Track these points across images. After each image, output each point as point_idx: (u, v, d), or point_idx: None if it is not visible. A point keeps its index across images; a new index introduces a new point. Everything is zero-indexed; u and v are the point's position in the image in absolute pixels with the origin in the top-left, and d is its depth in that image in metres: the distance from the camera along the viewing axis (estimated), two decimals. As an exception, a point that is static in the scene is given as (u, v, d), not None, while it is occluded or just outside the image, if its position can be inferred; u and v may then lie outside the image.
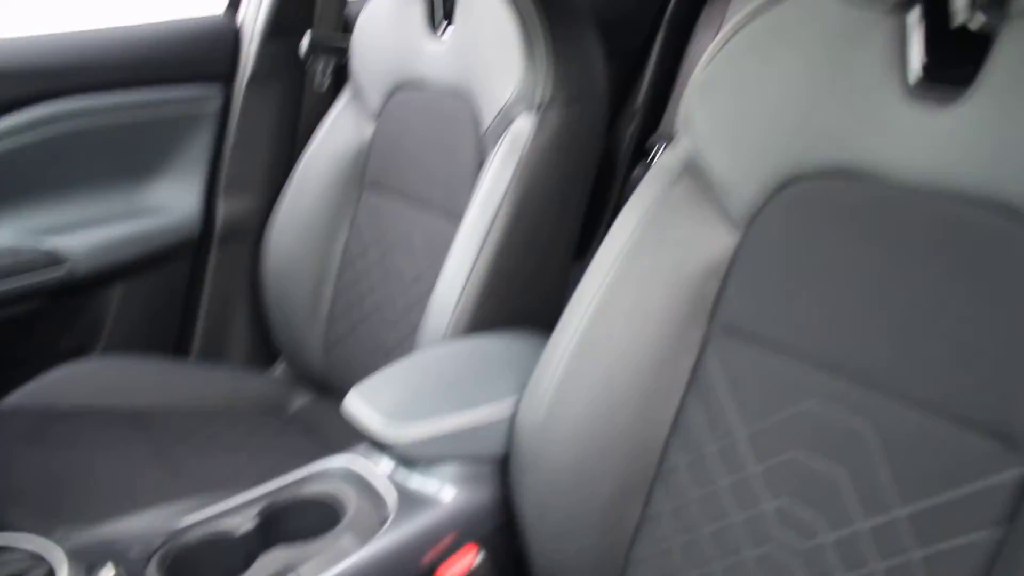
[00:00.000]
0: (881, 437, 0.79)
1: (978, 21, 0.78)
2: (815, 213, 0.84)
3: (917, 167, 0.78)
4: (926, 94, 0.78)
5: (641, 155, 2.28)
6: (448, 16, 1.41)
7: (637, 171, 2.25)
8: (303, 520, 0.97)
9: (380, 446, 0.99)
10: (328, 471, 1.02)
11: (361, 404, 1.00)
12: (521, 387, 1.00)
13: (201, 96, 1.62)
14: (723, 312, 0.90)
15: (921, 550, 0.76)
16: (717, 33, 2.20)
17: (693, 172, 0.93)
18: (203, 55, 1.62)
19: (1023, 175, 0.72)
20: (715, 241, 0.91)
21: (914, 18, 0.79)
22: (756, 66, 0.87)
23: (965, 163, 0.75)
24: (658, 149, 2.02)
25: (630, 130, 2.29)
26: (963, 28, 0.80)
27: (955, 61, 0.78)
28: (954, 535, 0.74)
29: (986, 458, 0.73)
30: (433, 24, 1.42)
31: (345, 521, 0.95)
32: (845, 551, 0.81)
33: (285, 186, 1.58)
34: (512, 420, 1.00)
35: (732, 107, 0.89)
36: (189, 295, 1.69)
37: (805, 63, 0.84)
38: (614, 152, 2.31)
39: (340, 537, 0.93)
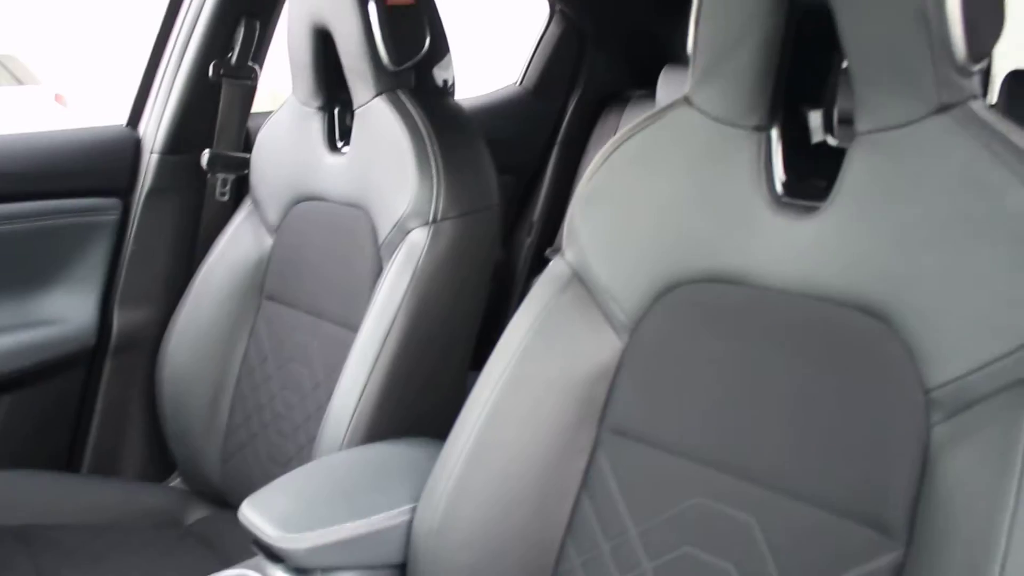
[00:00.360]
0: (766, 530, 0.82)
1: (832, 139, 0.86)
2: (695, 317, 0.89)
3: (785, 272, 0.84)
4: (789, 205, 0.85)
5: (539, 266, 2.34)
6: (346, 133, 1.45)
7: (536, 279, 2.31)
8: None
9: (275, 556, 0.98)
10: (219, 581, 1.00)
11: (255, 514, 0.99)
12: (417, 494, 1.01)
13: (98, 207, 1.61)
14: (612, 414, 0.94)
15: (806, 639, 0.78)
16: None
17: (580, 280, 0.97)
18: (103, 167, 1.63)
19: (877, 278, 0.78)
20: (602, 346, 0.94)
21: (776, 135, 0.87)
22: (634, 180, 0.93)
23: (826, 268, 0.81)
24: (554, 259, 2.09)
25: (528, 241, 2.37)
26: (820, 143, 0.88)
27: (813, 175, 0.86)
28: (837, 622, 0.77)
29: (864, 546, 0.77)
30: (331, 140, 1.46)
31: (238, 636, 0.93)
32: (735, 643, 0.83)
33: (183, 297, 1.58)
34: (409, 527, 1.00)
35: (613, 219, 0.95)
36: (82, 407, 1.65)
37: (679, 177, 0.90)
38: (513, 263, 2.37)
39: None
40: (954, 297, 0.73)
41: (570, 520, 0.94)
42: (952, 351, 0.73)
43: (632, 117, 2.30)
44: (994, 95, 1.88)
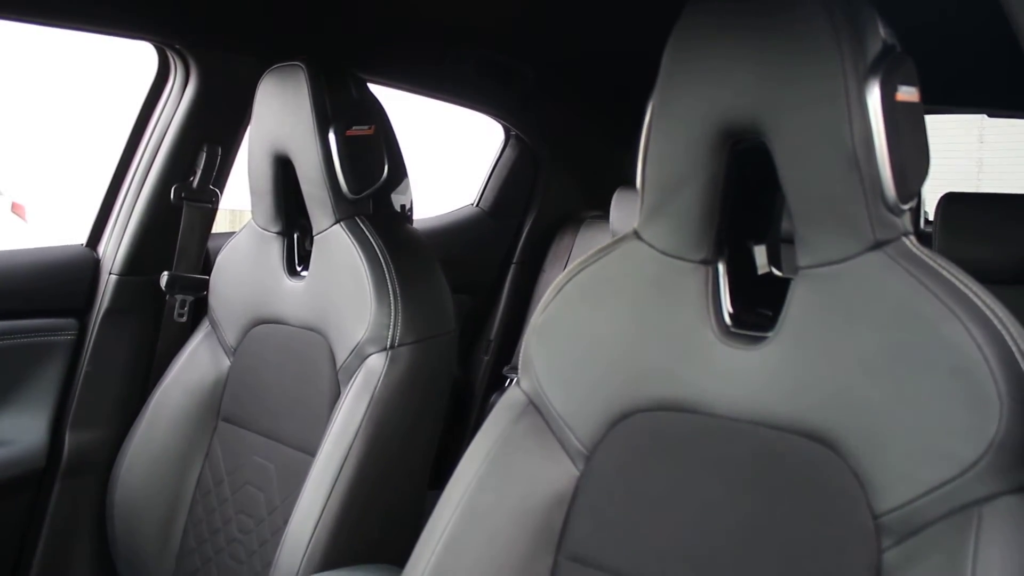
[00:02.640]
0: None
1: (776, 271, 0.91)
2: (649, 444, 0.91)
3: (735, 401, 0.86)
4: (737, 335, 0.88)
5: (497, 383, 2.35)
6: (305, 258, 1.48)
7: (494, 398, 2.32)
8: None
9: None
10: None
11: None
12: (375, 624, 1.00)
13: (54, 327, 1.60)
14: (569, 542, 0.94)
15: None
16: (564, 266, 2.37)
17: (535, 409, 0.99)
18: (60, 287, 1.62)
19: (822, 406, 0.81)
20: (559, 474, 0.96)
21: (722, 268, 0.91)
22: (587, 311, 0.96)
23: (773, 397, 0.84)
24: (510, 379, 2.10)
25: (486, 360, 2.38)
26: (765, 275, 0.92)
27: (760, 305, 0.89)
28: None
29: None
30: (291, 265, 1.49)
31: None
32: None
33: (137, 418, 1.56)
34: (366, 659, 0.99)
35: (567, 349, 0.97)
36: (27, 531, 1.60)
37: (629, 308, 0.94)
38: (471, 380, 2.38)
39: None
40: (897, 425, 0.76)
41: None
42: (898, 478, 0.75)
43: (586, 237, 2.36)
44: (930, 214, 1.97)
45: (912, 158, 0.81)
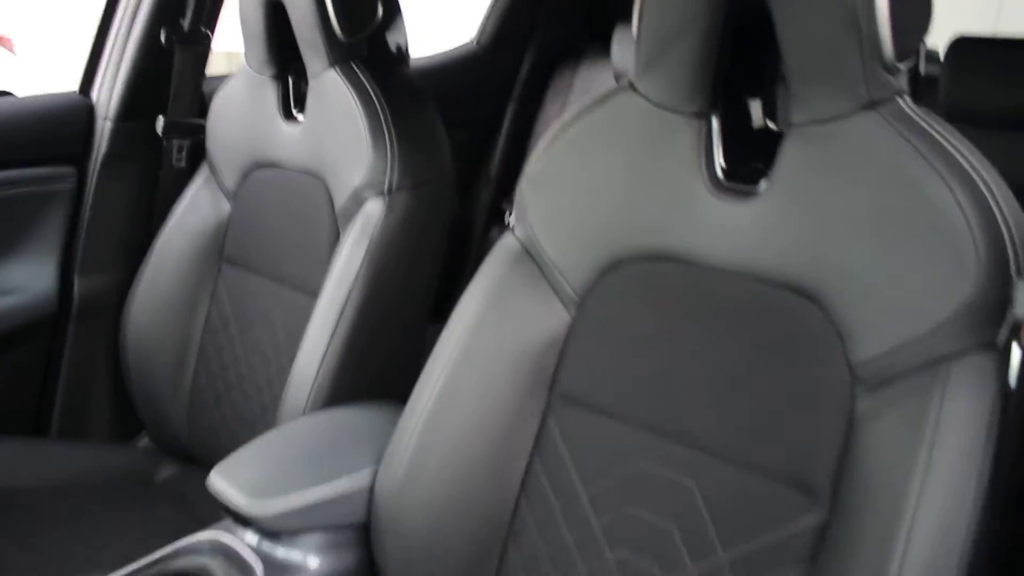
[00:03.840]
0: (704, 493, 0.89)
1: (771, 125, 0.91)
2: (637, 292, 0.95)
3: (723, 253, 0.89)
4: (729, 189, 0.90)
5: (497, 218, 2.38)
6: (300, 101, 1.47)
7: (494, 232, 2.36)
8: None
9: (244, 521, 1.03)
10: (196, 545, 1.05)
11: (224, 482, 1.04)
12: (379, 457, 1.06)
13: (53, 176, 1.62)
14: (561, 383, 0.99)
15: (740, 589, 0.86)
16: (564, 103, 2.35)
17: (529, 256, 1.02)
18: (56, 135, 1.63)
19: (808, 262, 0.83)
20: (552, 318, 1.00)
21: (716, 122, 0.91)
22: (580, 162, 0.98)
23: (761, 250, 0.86)
24: (510, 211, 2.14)
25: (486, 193, 2.40)
26: (759, 129, 0.93)
27: (751, 160, 0.91)
28: (766, 574, 0.84)
29: (791, 507, 0.83)
30: (286, 108, 1.48)
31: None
32: (676, 595, 0.90)
33: (143, 263, 1.60)
34: (370, 489, 1.06)
35: (560, 199, 0.99)
36: (47, 373, 1.67)
37: (622, 160, 0.95)
38: (470, 215, 2.41)
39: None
40: (878, 281, 0.79)
41: (523, 481, 1.00)
42: (875, 331, 0.79)
43: (587, 72, 2.33)
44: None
45: (912, 14, 0.80)
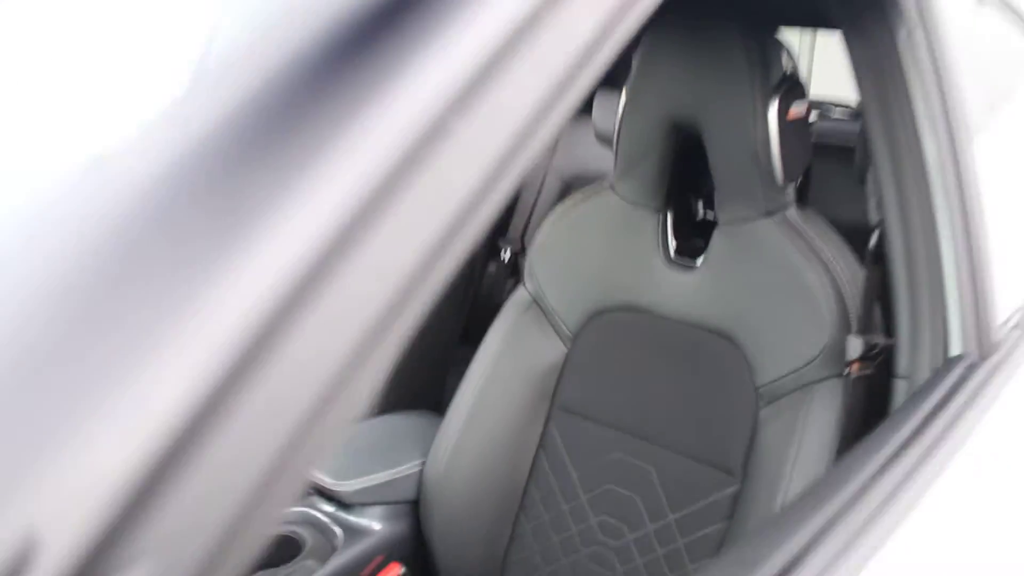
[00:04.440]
0: (660, 473, 1.28)
1: (710, 214, 1.31)
2: (614, 333, 1.34)
3: (672, 307, 1.29)
4: (676, 263, 1.30)
5: (494, 252, 2.75)
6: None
7: (491, 266, 2.73)
8: (272, 554, 1.36)
9: (327, 496, 1.41)
10: (287, 515, 1.43)
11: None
12: (425, 451, 1.44)
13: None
14: (559, 397, 1.38)
15: (683, 540, 1.25)
16: (552, 153, 2.71)
17: (537, 305, 1.41)
18: None
19: (728, 316, 1.23)
20: (553, 350, 1.39)
21: (670, 214, 1.31)
22: (575, 239, 1.37)
23: (698, 306, 1.26)
24: (504, 248, 2.46)
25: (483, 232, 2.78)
26: (700, 220, 1.33)
27: (694, 241, 1.30)
28: (701, 529, 1.24)
29: (717, 482, 1.23)
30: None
31: (306, 550, 1.36)
32: (641, 545, 1.29)
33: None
34: (420, 474, 1.44)
35: (559, 265, 1.38)
36: None
37: (604, 239, 1.34)
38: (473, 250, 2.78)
39: (304, 561, 1.34)
40: (771, 332, 1.19)
41: (531, 468, 1.39)
42: (771, 363, 1.19)
43: (571, 126, 2.70)
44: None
45: (796, 155, 1.19)
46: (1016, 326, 1.05)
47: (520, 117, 0.40)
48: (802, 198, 1.25)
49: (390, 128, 0.36)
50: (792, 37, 1.41)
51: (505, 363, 1.40)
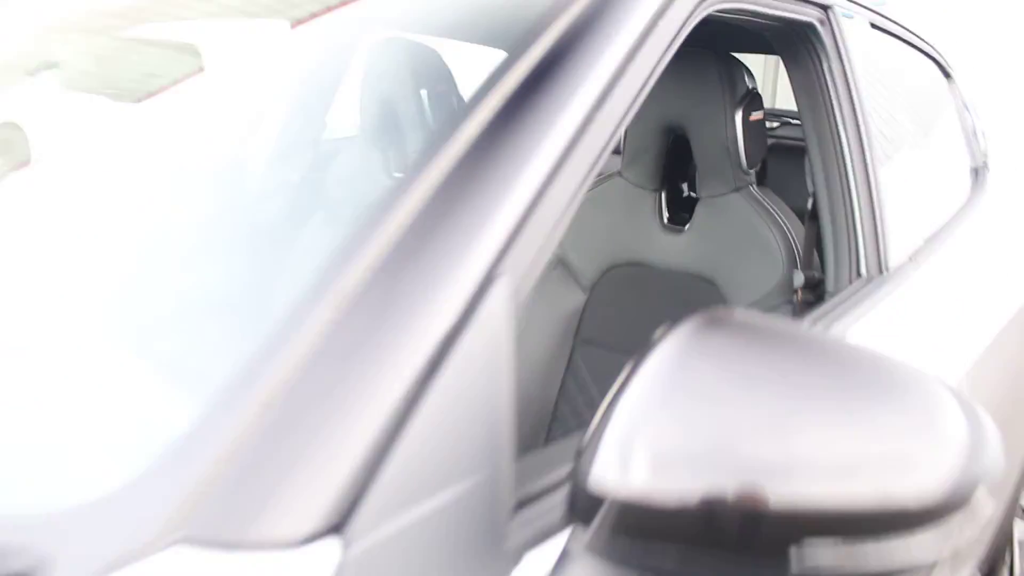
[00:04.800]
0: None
1: (693, 194, 1.77)
2: (623, 282, 1.79)
3: (668, 261, 1.74)
4: (670, 228, 1.75)
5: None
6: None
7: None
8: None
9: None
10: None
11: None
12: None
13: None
14: (581, 333, 1.83)
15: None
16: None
17: (562, 263, 1.85)
18: None
19: (710, 265, 1.68)
20: (575, 298, 1.83)
21: (664, 194, 1.77)
22: (593, 211, 1.82)
23: (687, 259, 1.71)
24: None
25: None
26: (686, 197, 1.78)
27: (682, 212, 1.76)
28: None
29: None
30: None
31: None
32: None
33: None
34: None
35: (580, 233, 1.83)
36: None
37: (615, 212, 1.80)
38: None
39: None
40: (739, 273, 1.64)
41: (560, 388, 1.83)
42: (739, 297, 1.64)
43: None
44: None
45: (757, 148, 1.64)
46: (908, 260, 1.49)
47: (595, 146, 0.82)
48: (761, 179, 1.70)
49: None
50: (758, 66, 1.87)
51: (538, 309, 1.85)
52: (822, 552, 0.57)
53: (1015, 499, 1.97)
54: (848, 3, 1.44)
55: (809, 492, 0.57)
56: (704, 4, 0.98)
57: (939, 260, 1.57)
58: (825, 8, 1.35)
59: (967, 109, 2.27)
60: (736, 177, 1.65)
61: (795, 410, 0.60)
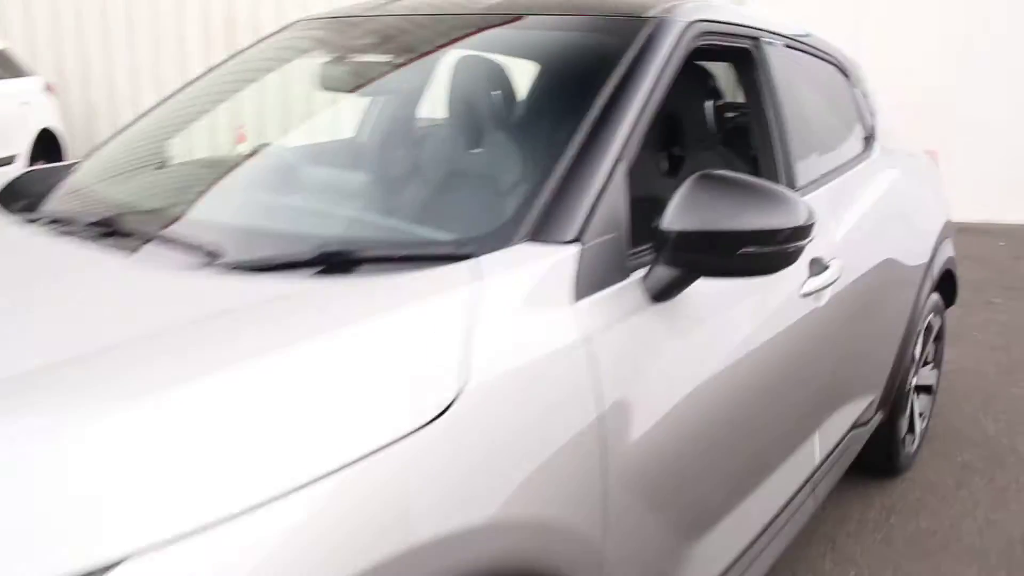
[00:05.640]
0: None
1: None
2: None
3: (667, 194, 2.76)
4: (667, 175, 2.77)
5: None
6: None
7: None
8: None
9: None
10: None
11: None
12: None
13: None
14: None
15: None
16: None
17: None
18: None
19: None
20: None
21: (666, 153, 2.79)
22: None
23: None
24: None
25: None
26: (678, 155, 2.81)
27: (675, 165, 2.78)
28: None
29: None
30: None
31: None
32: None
33: None
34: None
35: None
36: None
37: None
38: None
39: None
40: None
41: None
42: None
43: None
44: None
45: (721, 123, 2.67)
46: (809, 183, 2.50)
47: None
48: (725, 142, 2.73)
49: None
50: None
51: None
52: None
53: (907, 350, 3.03)
54: (770, 35, 2.47)
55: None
56: (692, 42, 1.99)
57: (832, 183, 2.61)
58: (755, 39, 2.38)
59: (864, 97, 3.32)
60: (708, 140, 2.67)
61: (744, 204, 1.60)
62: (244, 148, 3.05)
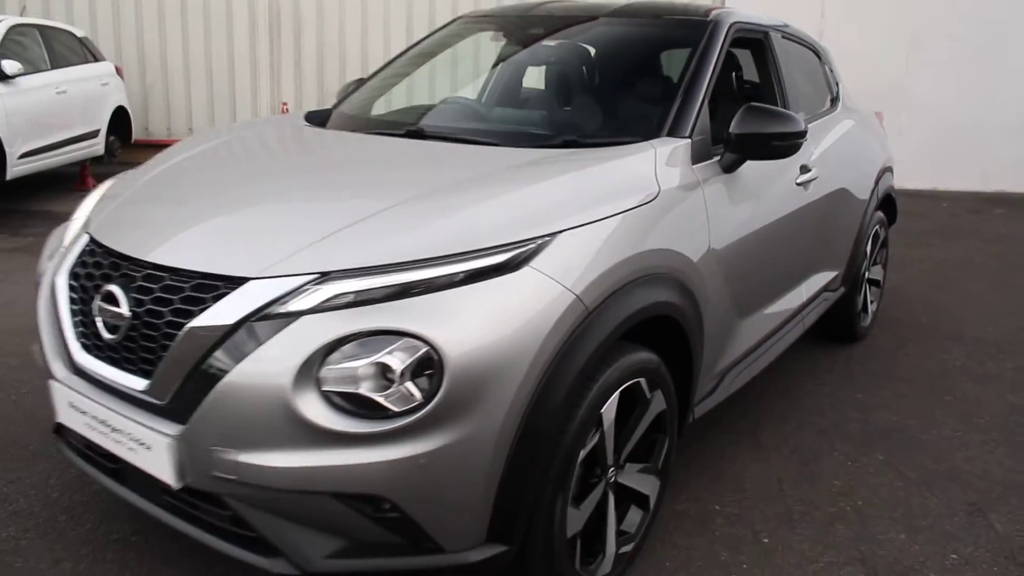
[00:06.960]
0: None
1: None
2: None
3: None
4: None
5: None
6: None
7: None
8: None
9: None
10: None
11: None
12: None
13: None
14: None
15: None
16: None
17: None
18: None
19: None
20: None
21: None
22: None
23: None
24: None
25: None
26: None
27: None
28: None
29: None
30: None
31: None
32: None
33: None
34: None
35: None
36: None
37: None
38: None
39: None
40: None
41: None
42: None
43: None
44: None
45: (742, 92, 4.07)
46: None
47: None
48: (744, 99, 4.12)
49: None
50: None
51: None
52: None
53: (860, 245, 4.45)
54: (773, 29, 3.88)
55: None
56: (732, 35, 3.38)
57: (812, 125, 3.98)
58: (766, 32, 3.79)
59: (831, 71, 4.76)
60: (733, 95, 4.05)
61: (771, 119, 3.01)
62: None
